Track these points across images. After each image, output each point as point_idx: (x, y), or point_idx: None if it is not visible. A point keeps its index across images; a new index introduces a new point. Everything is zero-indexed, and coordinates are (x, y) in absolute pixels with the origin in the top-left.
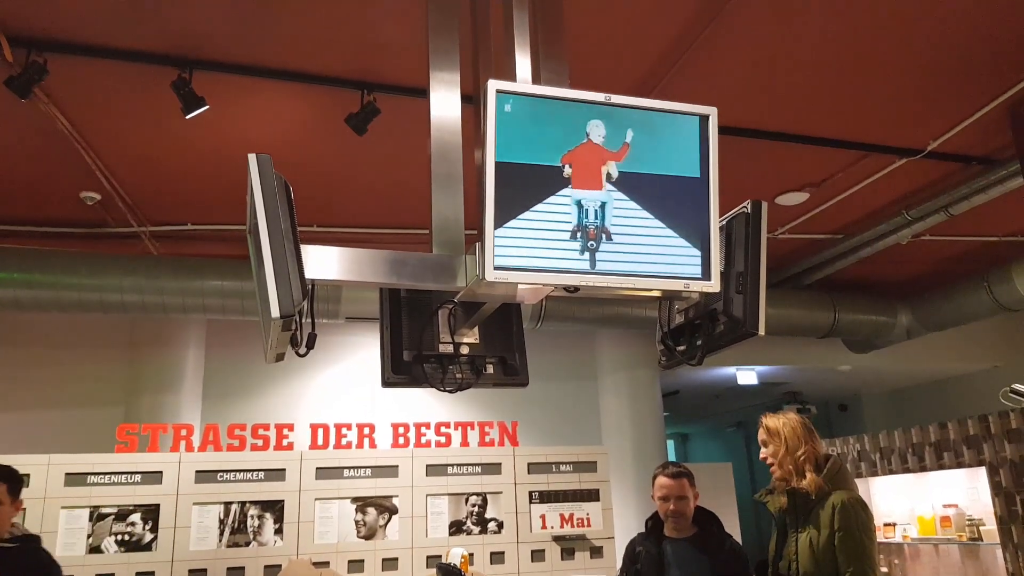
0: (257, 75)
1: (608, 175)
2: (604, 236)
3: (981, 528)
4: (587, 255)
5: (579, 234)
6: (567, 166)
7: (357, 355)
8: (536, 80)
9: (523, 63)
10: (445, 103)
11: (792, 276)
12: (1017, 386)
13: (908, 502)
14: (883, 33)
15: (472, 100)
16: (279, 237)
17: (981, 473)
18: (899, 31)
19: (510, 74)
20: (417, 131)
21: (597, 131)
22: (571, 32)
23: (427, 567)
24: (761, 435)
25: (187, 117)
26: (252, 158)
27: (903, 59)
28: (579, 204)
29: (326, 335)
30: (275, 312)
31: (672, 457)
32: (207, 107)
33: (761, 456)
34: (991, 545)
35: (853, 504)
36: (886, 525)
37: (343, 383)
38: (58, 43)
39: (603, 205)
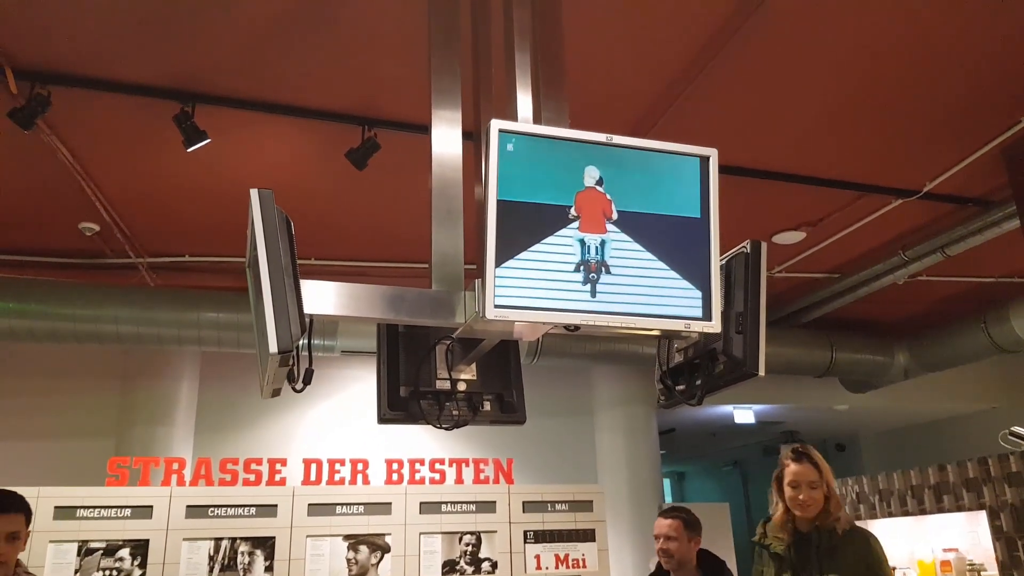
0: (259, 109)
1: (608, 215)
2: (604, 269)
3: (983, 573)
4: (588, 286)
5: (581, 267)
6: (571, 207)
7: (352, 389)
8: (537, 119)
9: (524, 102)
10: (446, 140)
11: (789, 315)
12: (1016, 429)
13: (908, 545)
14: (879, 76)
15: (472, 137)
16: (279, 272)
17: (981, 517)
18: (895, 74)
19: (511, 113)
20: (417, 166)
21: (598, 171)
22: (570, 71)
23: None
24: (809, 474)
25: (188, 150)
26: (254, 193)
27: (899, 101)
28: (582, 242)
29: (321, 368)
30: (273, 347)
31: (668, 496)
32: (208, 140)
33: (803, 498)
34: None
35: (877, 541)
36: None
37: (338, 417)
38: (62, 76)
39: (603, 243)
